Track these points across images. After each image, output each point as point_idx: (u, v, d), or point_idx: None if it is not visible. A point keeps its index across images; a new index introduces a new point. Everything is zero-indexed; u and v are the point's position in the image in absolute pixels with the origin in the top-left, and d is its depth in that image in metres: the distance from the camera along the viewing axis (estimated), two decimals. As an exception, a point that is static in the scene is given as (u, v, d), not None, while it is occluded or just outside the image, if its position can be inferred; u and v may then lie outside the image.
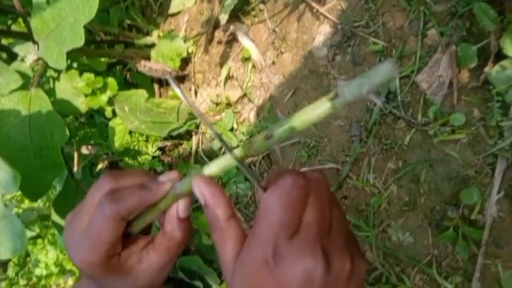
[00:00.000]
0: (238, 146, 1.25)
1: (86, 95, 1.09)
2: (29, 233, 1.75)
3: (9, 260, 1.74)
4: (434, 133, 0.96)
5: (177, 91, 0.35)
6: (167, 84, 1.44)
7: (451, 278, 0.97)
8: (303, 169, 1.14)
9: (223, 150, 1.31)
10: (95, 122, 1.44)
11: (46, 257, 1.74)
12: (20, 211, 1.61)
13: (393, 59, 0.25)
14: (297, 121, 0.32)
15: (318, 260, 0.33)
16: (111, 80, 1.14)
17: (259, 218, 0.35)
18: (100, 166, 1.52)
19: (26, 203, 1.70)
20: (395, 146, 1.02)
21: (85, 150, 1.49)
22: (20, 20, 0.99)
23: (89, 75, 1.08)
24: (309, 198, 0.35)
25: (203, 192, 0.38)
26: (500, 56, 0.83)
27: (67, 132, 0.89)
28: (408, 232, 1.03)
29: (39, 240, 1.77)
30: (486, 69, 0.86)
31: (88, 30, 1.26)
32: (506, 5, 0.83)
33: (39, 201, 1.64)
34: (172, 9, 1.38)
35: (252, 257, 0.35)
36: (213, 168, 0.38)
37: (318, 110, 0.31)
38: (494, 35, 0.84)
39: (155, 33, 1.36)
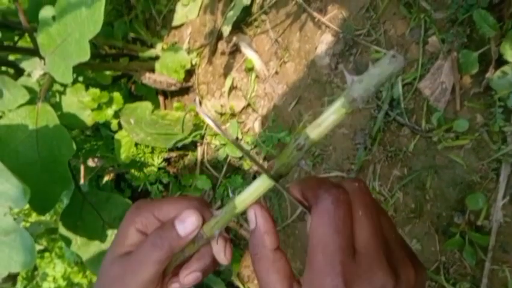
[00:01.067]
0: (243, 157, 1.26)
1: (92, 110, 1.10)
2: (37, 247, 1.75)
3: (18, 274, 1.75)
4: (438, 139, 0.96)
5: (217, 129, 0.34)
6: (172, 95, 1.45)
7: (459, 284, 0.97)
8: (335, 176, 1.14)
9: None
10: (101, 135, 1.45)
11: (54, 270, 1.74)
12: (28, 225, 1.62)
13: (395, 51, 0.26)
14: (319, 129, 0.32)
15: (387, 275, 0.32)
16: (116, 95, 1.16)
17: (314, 249, 0.33)
18: (106, 178, 1.53)
19: (34, 217, 1.71)
20: (399, 153, 1.02)
21: (91, 162, 1.51)
22: (27, 35, 1.00)
23: (94, 91, 1.09)
24: (355, 211, 0.34)
25: (258, 214, 0.37)
26: (501, 61, 0.84)
27: (74, 146, 0.90)
28: (416, 239, 1.03)
29: (46, 254, 1.77)
30: (488, 75, 0.87)
31: (93, 44, 1.28)
32: (505, 11, 0.84)
33: (47, 214, 1.64)
34: (176, 22, 1.40)
35: None
36: (247, 195, 0.36)
37: (335, 114, 0.30)
38: (494, 41, 0.84)
39: (159, 45, 1.37)
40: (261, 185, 0.36)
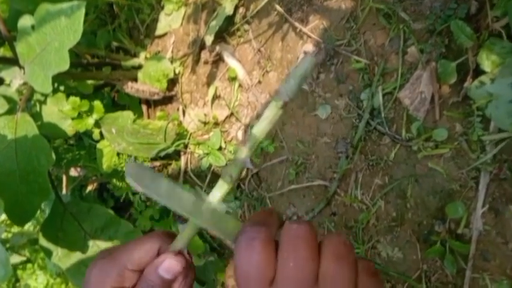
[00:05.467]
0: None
1: (72, 119, 1.09)
2: (19, 258, 1.73)
3: (-2, 286, 1.72)
4: (418, 148, 0.97)
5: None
6: (155, 105, 1.45)
7: (441, 292, 0.98)
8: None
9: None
10: (84, 144, 1.44)
11: (36, 282, 1.72)
12: (10, 235, 1.60)
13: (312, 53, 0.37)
14: (258, 132, 0.36)
15: None
16: (97, 103, 1.15)
17: (235, 276, 0.36)
18: (89, 188, 1.51)
19: (16, 227, 1.69)
20: (380, 161, 1.03)
21: (73, 172, 1.49)
22: (7, 44, 1.00)
23: (75, 99, 1.09)
24: (282, 248, 0.35)
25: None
26: (478, 71, 0.85)
27: (53, 157, 0.89)
28: (397, 248, 1.03)
29: (29, 265, 1.75)
30: (466, 84, 0.88)
31: (75, 53, 1.27)
32: (482, 22, 0.85)
33: (30, 225, 1.62)
34: (159, 31, 1.40)
35: None
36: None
37: (272, 117, 0.35)
38: (471, 51, 0.86)
39: (142, 54, 1.37)
40: (219, 190, 0.38)
